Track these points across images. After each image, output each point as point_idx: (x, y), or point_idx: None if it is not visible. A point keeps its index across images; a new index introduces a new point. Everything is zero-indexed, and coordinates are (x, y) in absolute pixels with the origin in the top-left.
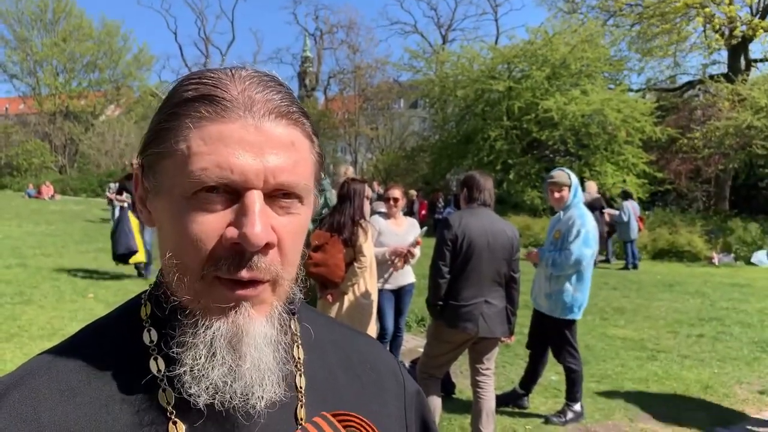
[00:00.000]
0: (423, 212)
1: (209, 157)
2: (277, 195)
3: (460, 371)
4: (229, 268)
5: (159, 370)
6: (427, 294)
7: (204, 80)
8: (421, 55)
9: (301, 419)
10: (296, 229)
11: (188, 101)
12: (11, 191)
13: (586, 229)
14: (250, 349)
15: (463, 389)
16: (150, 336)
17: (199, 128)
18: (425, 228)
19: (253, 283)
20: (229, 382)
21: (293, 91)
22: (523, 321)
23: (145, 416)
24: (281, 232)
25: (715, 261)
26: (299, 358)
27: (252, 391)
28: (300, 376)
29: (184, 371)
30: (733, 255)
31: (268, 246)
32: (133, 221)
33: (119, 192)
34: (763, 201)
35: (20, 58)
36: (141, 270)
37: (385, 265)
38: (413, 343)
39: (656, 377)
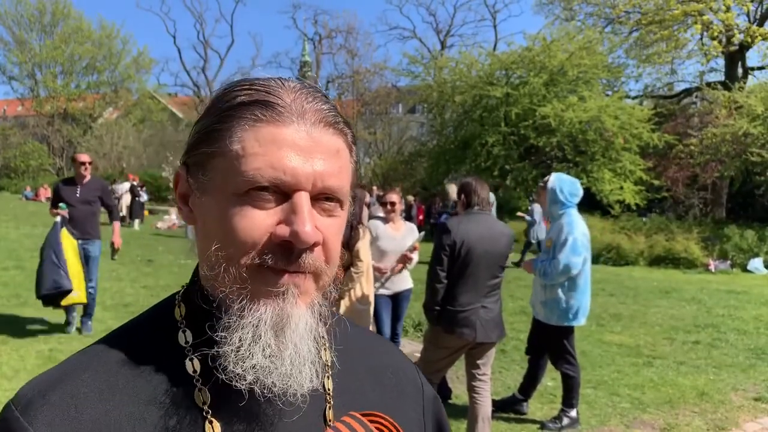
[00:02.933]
0: (420, 217)
1: (263, 157)
2: (321, 198)
3: (456, 376)
4: (277, 262)
5: (194, 371)
6: (425, 299)
7: (256, 87)
8: (420, 61)
9: (330, 420)
10: (338, 230)
11: (243, 105)
12: (8, 193)
13: (574, 236)
14: (293, 335)
15: (459, 394)
16: (185, 336)
17: (254, 130)
18: (422, 233)
19: (299, 271)
20: (271, 366)
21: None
22: (521, 327)
23: (182, 416)
24: (325, 233)
25: (712, 268)
26: (327, 361)
27: (291, 379)
28: (328, 378)
29: (230, 350)
30: (729, 262)
31: (315, 244)
32: (69, 243)
33: (53, 204)
34: (759, 208)
35: (19, 60)
36: (72, 319)
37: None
38: (410, 348)
39: (652, 383)
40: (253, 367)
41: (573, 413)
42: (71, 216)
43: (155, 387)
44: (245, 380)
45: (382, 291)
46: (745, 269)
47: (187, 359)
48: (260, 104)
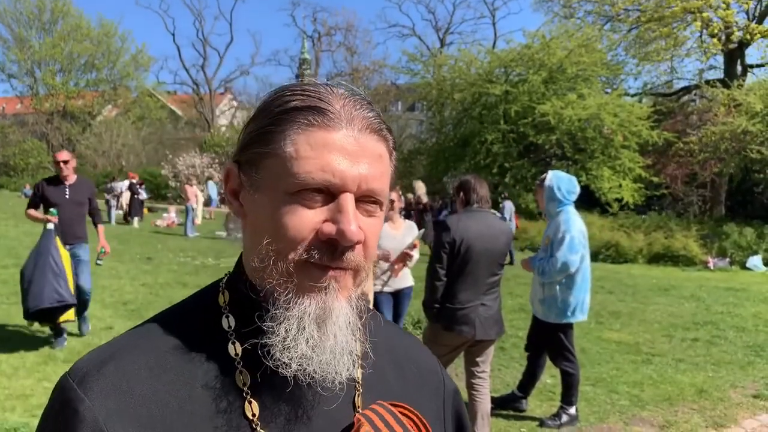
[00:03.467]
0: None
1: (314, 161)
2: (364, 200)
3: (455, 374)
4: (322, 258)
5: (236, 354)
6: (424, 296)
7: (308, 92)
8: (419, 58)
9: (359, 407)
10: (377, 230)
11: (296, 109)
12: (8, 191)
13: (571, 234)
14: (333, 327)
15: None
16: (228, 322)
17: (307, 134)
18: (422, 230)
19: (340, 268)
20: (313, 356)
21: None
22: (520, 324)
23: (224, 396)
24: (366, 232)
25: (711, 265)
26: (359, 352)
27: (330, 367)
28: (357, 368)
29: (278, 341)
30: (728, 259)
31: (357, 243)
32: (63, 253)
33: (36, 204)
34: (758, 206)
35: (18, 57)
36: (64, 329)
37: (384, 266)
38: None
39: (651, 381)
40: (298, 356)
41: (572, 410)
42: (60, 218)
43: (199, 367)
44: (290, 368)
45: (383, 289)
46: (743, 267)
47: (230, 343)
48: (313, 110)
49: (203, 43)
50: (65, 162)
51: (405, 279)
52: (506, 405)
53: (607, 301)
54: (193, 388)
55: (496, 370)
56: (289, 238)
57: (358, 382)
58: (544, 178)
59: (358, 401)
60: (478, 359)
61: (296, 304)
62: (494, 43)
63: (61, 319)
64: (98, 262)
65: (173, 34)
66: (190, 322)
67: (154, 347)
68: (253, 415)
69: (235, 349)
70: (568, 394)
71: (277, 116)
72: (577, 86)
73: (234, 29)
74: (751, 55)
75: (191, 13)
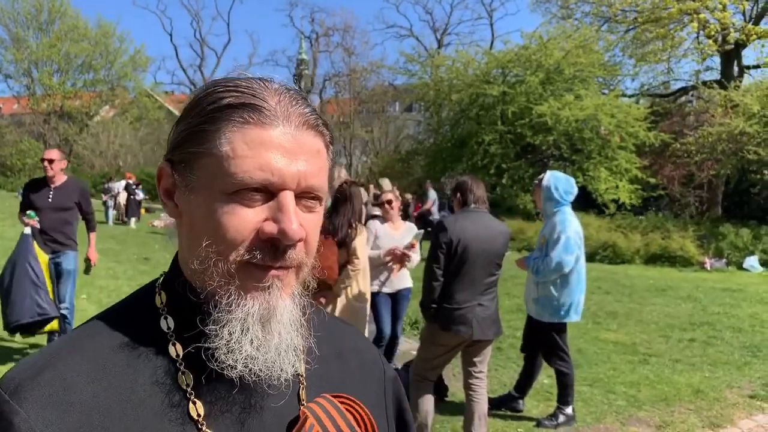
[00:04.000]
0: (416, 214)
1: (252, 160)
2: (303, 196)
3: (453, 374)
4: (264, 258)
5: (177, 354)
6: (421, 297)
7: (241, 89)
8: (417, 59)
9: (303, 400)
10: (317, 225)
11: (230, 107)
12: (5, 191)
13: (567, 234)
14: (278, 325)
15: (455, 392)
16: (167, 323)
17: (243, 132)
18: (421, 231)
19: (283, 267)
20: (258, 356)
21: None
22: (517, 324)
23: (167, 398)
24: (307, 228)
25: (707, 266)
26: (303, 347)
27: (275, 365)
28: (300, 362)
29: (222, 344)
30: (725, 260)
31: (299, 240)
32: (42, 260)
33: (22, 208)
34: (755, 206)
35: (15, 57)
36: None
37: (381, 269)
38: (407, 346)
39: (648, 381)
40: (243, 358)
41: (569, 410)
42: (42, 224)
43: (140, 370)
44: (236, 369)
45: (381, 289)
46: (740, 267)
47: (170, 344)
48: (248, 107)
49: (201, 43)
50: (50, 161)
51: (403, 280)
52: (503, 405)
53: (604, 301)
54: (134, 391)
55: (493, 371)
56: (230, 239)
57: (302, 376)
58: (542, 179)
59: (303, 395)
60: (475, 359)
61: (239, 305)
62: (491, 44)
63: (46, 329)
64: (87, 272)
65: (171, 35)
66: (129, 324)
67: (92, 351)
68: (198, 415)
69: (176, 349)
70: (565, 394)
71: (210, 114)
72: (574, 87)
73: (231, 29)
74: (748, 56)
75: (189, 14)
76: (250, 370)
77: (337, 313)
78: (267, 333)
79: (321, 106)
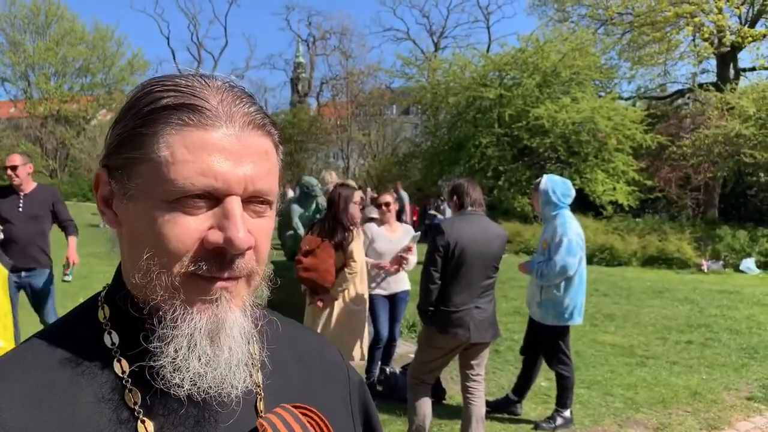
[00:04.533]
0: (414, 218)
1: (193, 165)
2: (252, 200)
3: (450, 377)
4: (210, 269)
5: (123, 371)
6: (419, 299)
7: (180, 88)
8: (414, 62)
9: (261, 411)
10: (268, 231)
11: (168, 108)
12: None
13: (569, 237)
14: (227, 339)
15: (453, 395)
16: (111, 338)
17: (182, 135)
18: (418, 233)
19: (231, 277)
20: (207, 372)
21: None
22: (515, 327)
23: (113, 416)
24: (256, 235)
25: (704, 268)
26: (254, 354)
27: (226, 381)
28: (257, 371)
29: (167, 362)
30: (721, 262)
31: (248, 248)
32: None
33: None
34: (751, 208)
35: (12, 61)
36: None
37: (379, 271)
38: (404, 348)
39: (645, 383)
40: (191, 375)
41: (567, 413)
42: (11, 237)
43: (83, 389)
44: (183, 388)
45: (378, 291)
46: (737, 269)
47: (115, 360)
48: (187, 108)
49: (198, 46)
50: (14, 168)
51: (401, 282)
52: (501, 408)
53: (601, 303)
54: (77, 411)
55: (491, 374)
56: (172, 250)
57: (260, 386)
58: (539, 183)
59: (261, 405)
60: (472, 362)
61: (185, 320)
62: (488, 47)
63: None
64: (66, 278)
65: (168, 38)
66: (69, 342)
67: (27, 374)
68: None
69: (121, 366)
70: (563, 397)
71: (147, 116)
72: (571, 90)
73: (228, 33)
74: (744, 59)
75: (186, 17)
76: (199, 387)
77: (334, 317)
78: (216, 348)
79: (318, 109)
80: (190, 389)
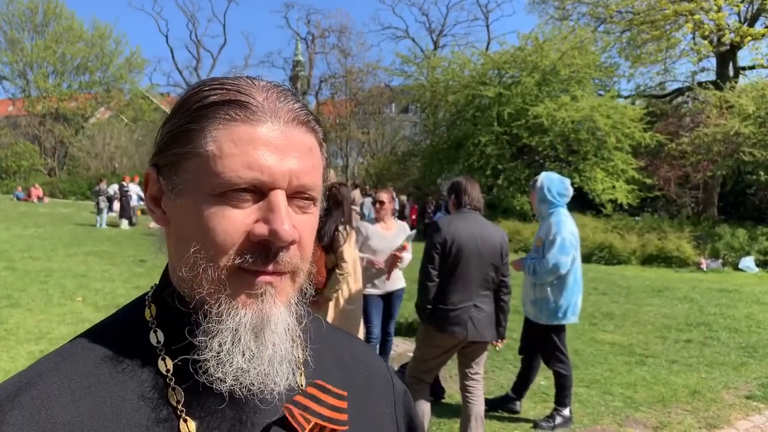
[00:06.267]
0: (413, 216)
1: (240, 158)
2: (296, 196)
3: (449, 376)
4: (256, 261)
5: (167, 370)
6: (417, 298)
7: (227, 86)
8: (413, 61)
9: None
10: (312, 227)
11: (215, 104)
12: (0, 194)
13: (562, 236)
14: (272, 336)
15: (452, 394)
16: (157, 337)
17: (229, 130)
18: (414, 231)
19: (276, 272)
20: (251, 368)
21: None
22: (513, 326)
23: (156, 414)
24: (301, 230)
25: (704, 267)
26: (299, 358)
27: (268, 378)
28: (301, 375)
29: (211, 356)
30: (721, 261)
31: (292, 242)
32: None
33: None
34: (750, 207)
35: (10, 59)
36: None
37: (373, 270)
38: (403, 347)
39: (644, 382)
40: (233, 370)
41: (566, 412)
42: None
43: (127, 387)
44: (226, 383)
45: (373, 291)
46: (736, 268)
47: (159, 359)
48: (233, 103)
49: (197, 45)
50: None
51: (396, 281)
52: (500, 407)
53: (600, 302)
54: (120, 408)
55: (490, 372)
56: (219, 243)
57: (302, 389)
58: (536, 181)
59: None
60: (471, 361)
61: (230, 315)
62: (488, 45)
63: None
64: None
65: (166, 36)
66: (116, 340)
67: (76, 369)
68: None
69: (165, 365)
70: (562, 396)
71: (195, 113)
72: (570, 88)
73: (227, 31)
74: (743, 57)
75: (184, 15)
76: (241, 383)
77: (329, 318)
78: (260, 344)
79: (317, 107)
80: (232, 384)
